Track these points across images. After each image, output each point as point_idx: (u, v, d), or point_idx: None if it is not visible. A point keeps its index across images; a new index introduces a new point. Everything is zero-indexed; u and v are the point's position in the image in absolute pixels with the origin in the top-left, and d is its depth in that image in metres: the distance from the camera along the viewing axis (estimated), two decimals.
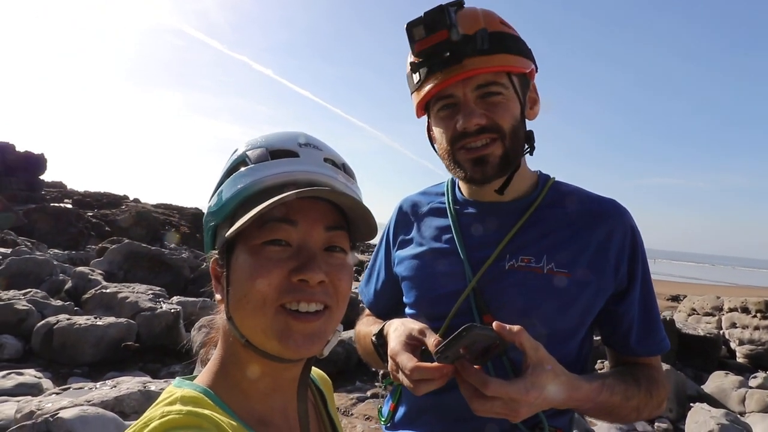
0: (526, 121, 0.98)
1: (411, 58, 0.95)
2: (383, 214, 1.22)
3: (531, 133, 0.97)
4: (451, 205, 1.05)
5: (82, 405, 2.52)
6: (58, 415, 2.25)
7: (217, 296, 0.62)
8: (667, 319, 7.12)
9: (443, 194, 1.09)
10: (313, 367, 0.71)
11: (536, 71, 0.99)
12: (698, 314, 8.46)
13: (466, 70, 0.89)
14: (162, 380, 3.79)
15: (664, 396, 0.95)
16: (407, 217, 1.12)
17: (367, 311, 1.22)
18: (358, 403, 4.28)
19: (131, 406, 2.97)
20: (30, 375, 4.15)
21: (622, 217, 0.97)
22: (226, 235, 0.57)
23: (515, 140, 0.93)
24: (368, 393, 4.53)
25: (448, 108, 0.94)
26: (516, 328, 0.75)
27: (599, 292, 0.94)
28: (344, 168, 0.64)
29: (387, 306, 1.16)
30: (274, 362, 0.59)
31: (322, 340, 0.59)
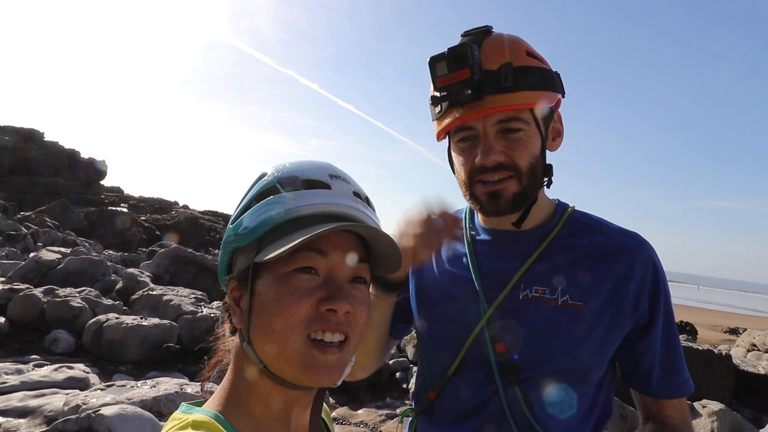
0: (547, 153, 0.97)
1: (432, 92, 0.96)
2: None
3: (550, 167, 0.97)
4: (467, 232, 1.05)
5: (122, 403, 2.63)
6: (100, 412, 2.35)
7: (235, 319, 0.62)
8: (723, 354, 6.63)
9: (461, 220, 1.09)
10: None
11: (563, 96, 0.98)
12: (759, 350, 7.82)
13: (487, 108, 0.89)
14: (198, 383, 3.90)
15: None
16: None
17: None
18: (387, 420, 4.23)
19: (168, 407, 3.07)
20: (79, 369, 4.38)
21: (643, 251, 0.94)
22: (264, 259, 0.57)
23: (532, 178, 0.93)
24: (398, 410, 4.47)
25: (468, 140, 0.95)
26: None
27: (616, 328, 0.91)
28: (367, 200, 0.66)
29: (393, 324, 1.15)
30: (288, 389, 0.60)
31: (341, 370, 0.60)
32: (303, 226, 0.57)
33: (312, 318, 0.57)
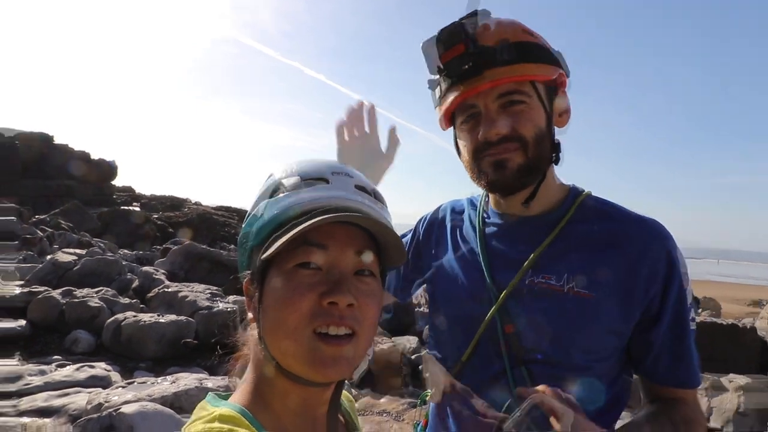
0: (555, 130, 0.95)
1: (429, 77, 0.96)
2: None
3: (558, 143, 0.95)
4: (480, 218, 1.04)
5: (143, 400, 2.63)
6: (121, 410, 2.35)
7: (250, 315, 0.63)
8: (748, 326, 6.51)
9: (475, 207, 1.09)
10: None
11: (567, 76, 0.96)
12: None
13: (487, 81, 0.88)
14: (218, 377, 3.91)
15: None
16: (443, 222, 1.12)
17: None
18: (410, 409, 4.21)
19: (188, 402, 3.08)
20: (100, 368, 4.44)
21: (658, 241, 0.89)
22: (261, 258, 0.59)
23: (539, 149, 0.91)
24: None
25: (471, 119, 0.94)
26: (540, 388, 0.70)
27: (625, 318, 0.88)
28: (375, 194, 0.66)
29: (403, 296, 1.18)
30: (302, 385, 0.60)
31: (350, 364, 0.59)
32: (303, 222, 0.57)
33: (316, 313, 0.57)
